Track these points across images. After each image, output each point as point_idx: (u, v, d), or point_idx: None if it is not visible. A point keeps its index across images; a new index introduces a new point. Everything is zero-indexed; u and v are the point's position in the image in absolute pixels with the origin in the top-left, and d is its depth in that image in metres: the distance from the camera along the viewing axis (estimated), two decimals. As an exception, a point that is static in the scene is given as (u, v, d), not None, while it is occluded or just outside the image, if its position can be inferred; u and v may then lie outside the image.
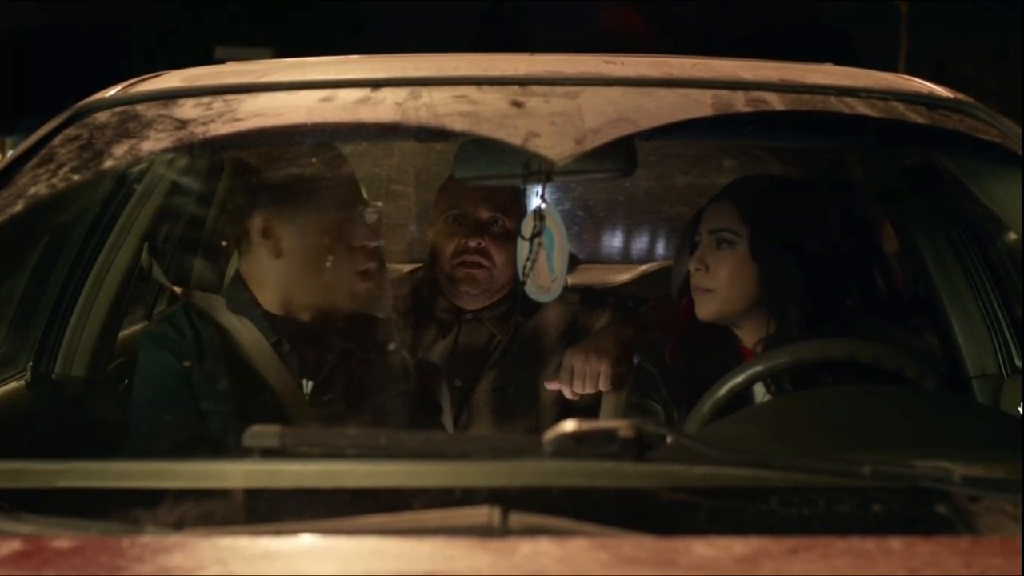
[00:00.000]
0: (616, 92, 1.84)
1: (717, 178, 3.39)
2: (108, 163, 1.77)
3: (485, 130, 1.71)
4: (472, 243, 2.79)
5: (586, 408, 2.64)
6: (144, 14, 29.54)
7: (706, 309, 2.35)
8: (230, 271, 2.62)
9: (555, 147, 1.64)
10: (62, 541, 1.16)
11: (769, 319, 2.31)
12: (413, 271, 3.10)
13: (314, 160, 2.33)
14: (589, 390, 2.59)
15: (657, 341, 2.49)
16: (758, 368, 2.05)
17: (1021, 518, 1.24)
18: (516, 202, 2.79)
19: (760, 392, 2.27)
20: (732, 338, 2.39)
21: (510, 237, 2.76)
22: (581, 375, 2.59)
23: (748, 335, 2.37)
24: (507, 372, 2.84)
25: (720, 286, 2.33)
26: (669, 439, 1.30)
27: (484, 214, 2.79)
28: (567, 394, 2.62)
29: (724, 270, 2.32)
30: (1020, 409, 2.39)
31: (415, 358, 2.56)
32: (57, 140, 1.86)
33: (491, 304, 2.88)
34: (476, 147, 1.90)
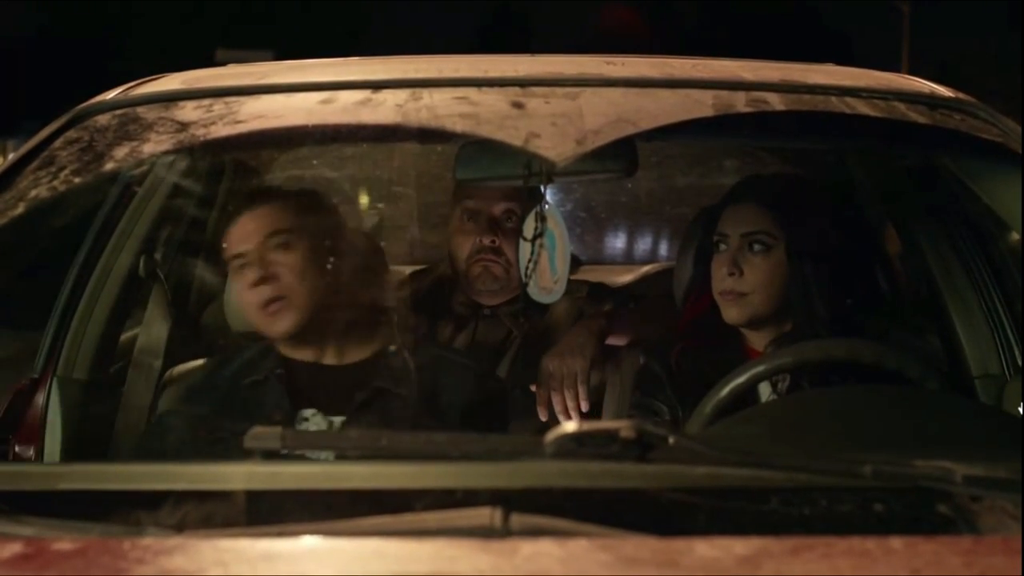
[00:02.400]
0: (616, 93, 1.84)
1: (718, 179, 3.39)
2: (109, 166, 1.77)
3: (486, 131, 1.71)
4: (486, 241, 2.79)
5: (591, 407, 2.64)
6: (145, 17, 29.59)
7: (736, 313, 2.34)
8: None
9: (556, 148, 1.64)
10: (63, 543, 1.16)
11: (794, 320, 2.30)
12: (420, 271, 3.09)
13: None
14: (570, 390, 2.59)
15: (662, 341, 2.48)
16: (759, 369, 2.05)
17: (1022, 518, 1.24)
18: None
19: (766, 392, 2.27)
20: (739, 338, 2.39)
21: None
22: (559, 377, 2.59)
23: (760, 336, 2.36)
24: (524, 369, 2.84)
25: (754, 290, 2.31)
26: (670, 440, 1.30)
27: (497, 210, 2.79)
28: (553, 400, 2.61)
29: (759, 274, 2.30)
30: (1022, 409, 2.39)
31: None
32: (58, 143, 1.86)
33: (509, 300, 2.88)
34: (477, 148, 1.90)
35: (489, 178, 1.97)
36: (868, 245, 2.86)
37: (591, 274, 3.71)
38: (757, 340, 2.37)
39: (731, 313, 2.35)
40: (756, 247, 2.31)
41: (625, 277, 3.90)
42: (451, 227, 2.89)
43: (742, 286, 2.32)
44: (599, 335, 2.67)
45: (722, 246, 2.36)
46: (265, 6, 29.61)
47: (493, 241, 2.78)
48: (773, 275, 2.30)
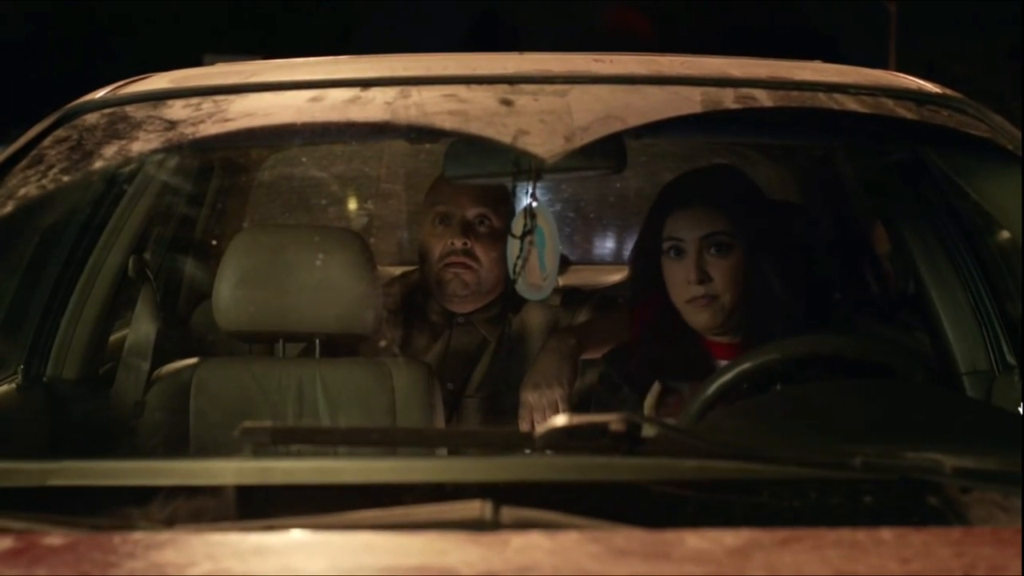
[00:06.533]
0: (605, 90, 1.84)
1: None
2: (98, 164, 1.77)
3: (474, 129, 1.71)
4: (458, 243, 2.75)
5: (576, 405, 2.63)
6: (131, 23, 29.57)
7: (708, 318, 2.29)
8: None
9: (544, 145, 1.65)
10: (54, 538, 1.15)
11: (757, 318, 2.29)
12: (405, 274, 3.08)
13: None
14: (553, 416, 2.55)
15: (620, 349, 2.46)
16: (747, 365, 2.04)
17: (1020, 509, 1.24)
18: (504, 200, 2.77)
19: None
20: (696, 337, 2.35)
21: (498, 236, 2.74)
22: (540, 408, 2.56)
23: (723, 335, 2.33)
24: (498, 375, 2.83)
25: (722, 292, 2.27)
26: (661, 433, 1.30)
27: (471, 213, 2.76)
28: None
29: (724, 275, 2.26)
30: (1020, 405, 2.38)
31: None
32: (47, 142, 1.86)
33: (482, 307, 2.86)
34: (465, 146, 1.90)
35: (478, 175, 1.97)
36: (848, 239, 2.86)
37: (579, 274, 3.72)
38: (718, 337, 2.35)
39: (701, 319, 2.30)
40: (716, 249, 2.27)
41: (614, 277, 3.91)
42: (423, 231, 2.86)
43: (711, 290, 2.27)
44: (572, 356, 2.62)
45: (677, 252, 2.30)
46: (253, 11, 29.60)
47: (465, 243, 2.75)
48: (736, 274, 2.27)
